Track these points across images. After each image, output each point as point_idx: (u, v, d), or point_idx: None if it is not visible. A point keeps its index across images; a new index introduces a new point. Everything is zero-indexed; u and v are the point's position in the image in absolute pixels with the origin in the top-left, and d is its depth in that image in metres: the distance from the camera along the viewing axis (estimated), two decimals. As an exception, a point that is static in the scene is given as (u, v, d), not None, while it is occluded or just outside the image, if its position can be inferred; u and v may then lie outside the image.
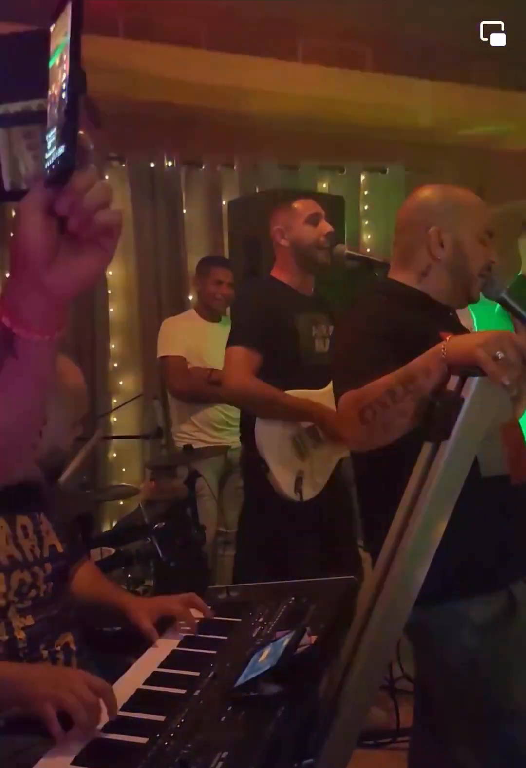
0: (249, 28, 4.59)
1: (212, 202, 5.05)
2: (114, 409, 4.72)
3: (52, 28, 0.76)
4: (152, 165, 4.92)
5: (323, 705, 1.44)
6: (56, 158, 0.72)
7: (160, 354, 4.04)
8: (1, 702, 1.44)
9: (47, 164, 0.74)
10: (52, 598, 1.70)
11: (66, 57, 0.72)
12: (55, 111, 0.73)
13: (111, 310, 4.86)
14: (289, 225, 2.96)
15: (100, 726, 1.31)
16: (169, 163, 4.96)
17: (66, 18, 0.73)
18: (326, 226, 2.96)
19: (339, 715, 1.36)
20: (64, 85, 0.72)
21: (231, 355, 2.86)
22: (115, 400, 4.81)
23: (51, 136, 0.73)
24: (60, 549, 1.77)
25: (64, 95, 0.72)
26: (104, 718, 1.32)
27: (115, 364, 4.92)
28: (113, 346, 4.90)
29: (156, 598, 1.96)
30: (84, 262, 0.78)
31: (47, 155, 0.74)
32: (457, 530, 1.38)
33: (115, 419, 4.81)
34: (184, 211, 5.02)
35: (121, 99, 4.30)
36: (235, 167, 5.11)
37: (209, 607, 1.81)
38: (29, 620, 1.63)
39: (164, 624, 1.82)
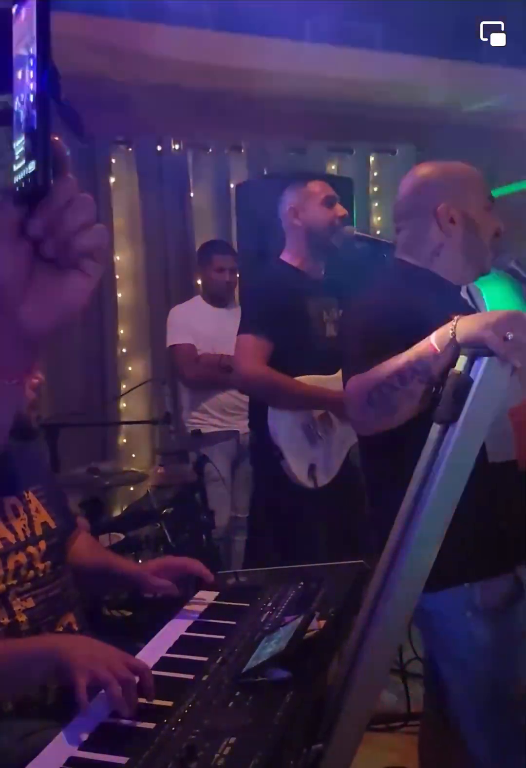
0: (256, 8, 4.53)
1: (220, 186, 5.01)
2: (122, 395, 4.72)
3: (13, 10, 0.62)
4: (159, 149, 4.89)
5: (332, 689, 1.43)
6: (26, 175, 0.60)
7: (169, 343, 4.02)
8: (38, 673, 1.45)
9: (16, 179, 0.62)
10: (51, 577, 1.71)
11: (33, 50, 0.58)
12: (22, 116, 0.60)
13: (119, 295, 4.83)
14: (303, 206, 2.93)
15: (110, 710, 1.31)
16: (177, 147, 4.92)
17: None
18: (340, 209, 2.93)
19: (349, 699, 1.35)
20: (32, 87, 0.59)
21: (241, 343, 2.83)
22: (124, 386, 4.81)
23: (19, 146, 0.61)
24: (53, 525, 1.77)
25: (31, 98, 0.59)
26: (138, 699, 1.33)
27: (124, 350, 4.90)
28: (122, 331, 4.88)
29: (159, 559, 2.12)
30: (64, 292, 0.65)
31: (16, 168, 0.62)
32: (464, 514, 1.37)
33: (124, 405, 4.81)
34: (192, 195, 4.99)
35: (127, 82, 4.26)
36: (242, 150, 5.07)
37: (210, 573, 1.88)
38: (30, 602, 1.64)
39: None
